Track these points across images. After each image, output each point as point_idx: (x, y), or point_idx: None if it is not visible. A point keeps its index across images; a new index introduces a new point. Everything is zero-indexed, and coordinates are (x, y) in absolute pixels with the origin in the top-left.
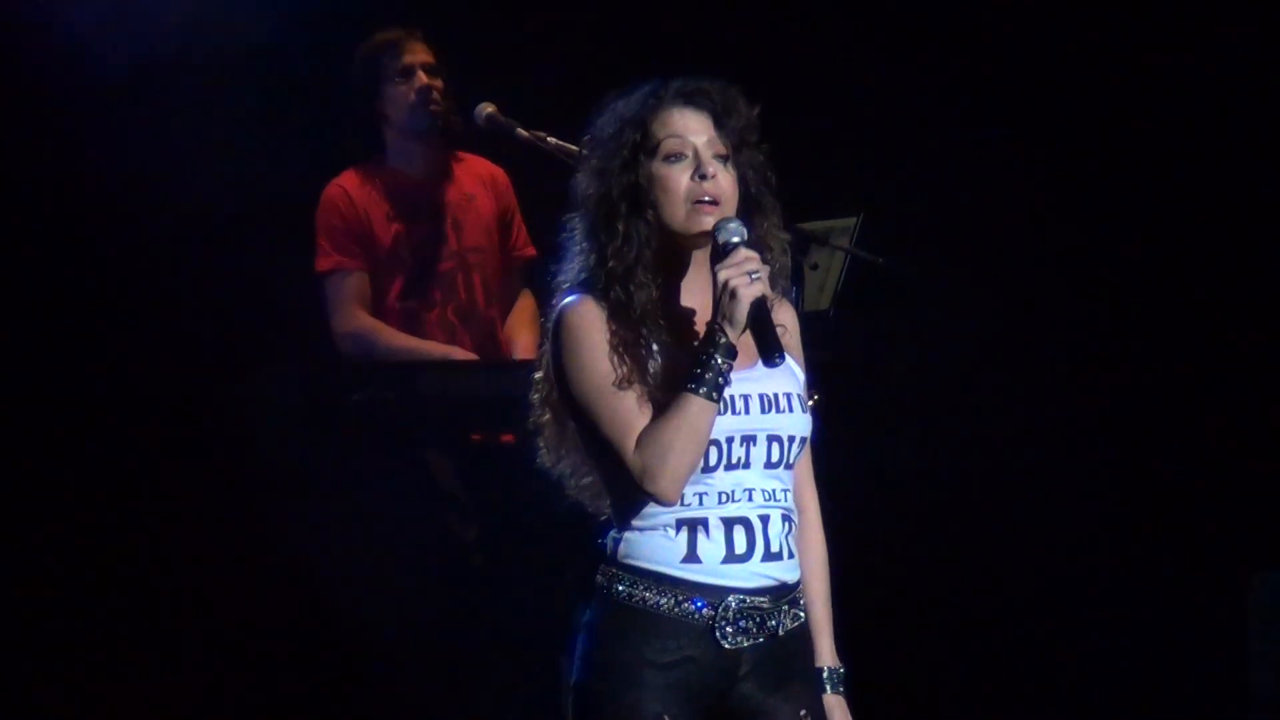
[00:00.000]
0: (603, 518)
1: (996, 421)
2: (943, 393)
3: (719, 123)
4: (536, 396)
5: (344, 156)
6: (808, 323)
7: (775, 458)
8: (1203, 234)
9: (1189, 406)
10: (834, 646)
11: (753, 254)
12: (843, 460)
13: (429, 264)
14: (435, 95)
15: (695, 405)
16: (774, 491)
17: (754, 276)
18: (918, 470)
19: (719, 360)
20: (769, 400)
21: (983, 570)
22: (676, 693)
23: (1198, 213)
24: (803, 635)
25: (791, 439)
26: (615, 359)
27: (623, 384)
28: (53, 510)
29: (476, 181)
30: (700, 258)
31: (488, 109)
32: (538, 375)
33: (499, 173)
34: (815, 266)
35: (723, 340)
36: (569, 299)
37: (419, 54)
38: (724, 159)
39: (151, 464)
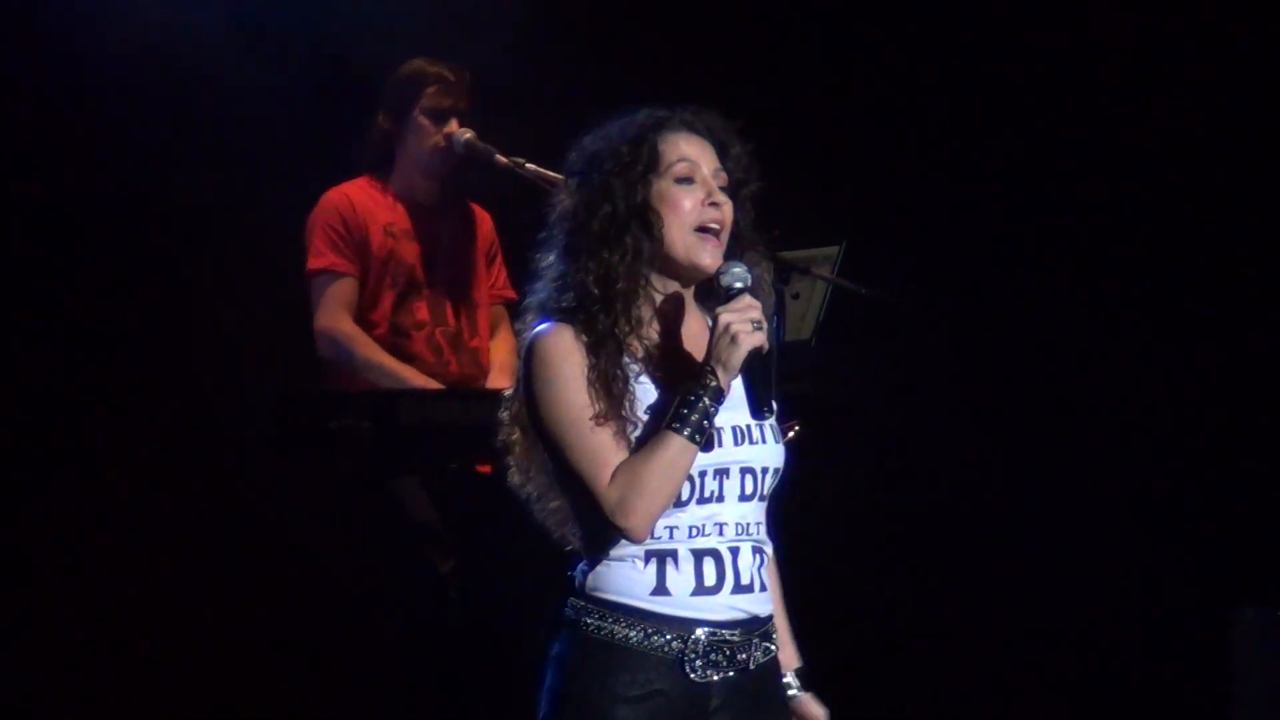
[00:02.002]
0: (568, 547)
1: (978, 453)
2: (922, 421)
3: (722, 154)
4: (506, 414)
5: (350, 164)
6: (790, 353)
7: (749, 490)
8: (1188, 269)
9: (1172, 441)
10: (795, 647)
11: (756, 303)
12: (823, 487)
13: (419, 286)
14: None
15: (676, 445)
16: (747, 525)
17: (756, 325)
18: (897, 499)
19: (707, 403)
20: (741, 432)
21: (963, 602)
22: None
23: (1184, 251)
24: (774, 669)
25: (765, 470)
26: (591, 391)
27: (598, 417)
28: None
29: (467, 219)
30: (689, 294)
31: (466, 135)
32: (508, 393)
33: (486, 217)
34: (796, 296)
35: (713, 383)
36: (544, 326)
37: (461, 100)
38: (725, 190)
39: (128, 469)
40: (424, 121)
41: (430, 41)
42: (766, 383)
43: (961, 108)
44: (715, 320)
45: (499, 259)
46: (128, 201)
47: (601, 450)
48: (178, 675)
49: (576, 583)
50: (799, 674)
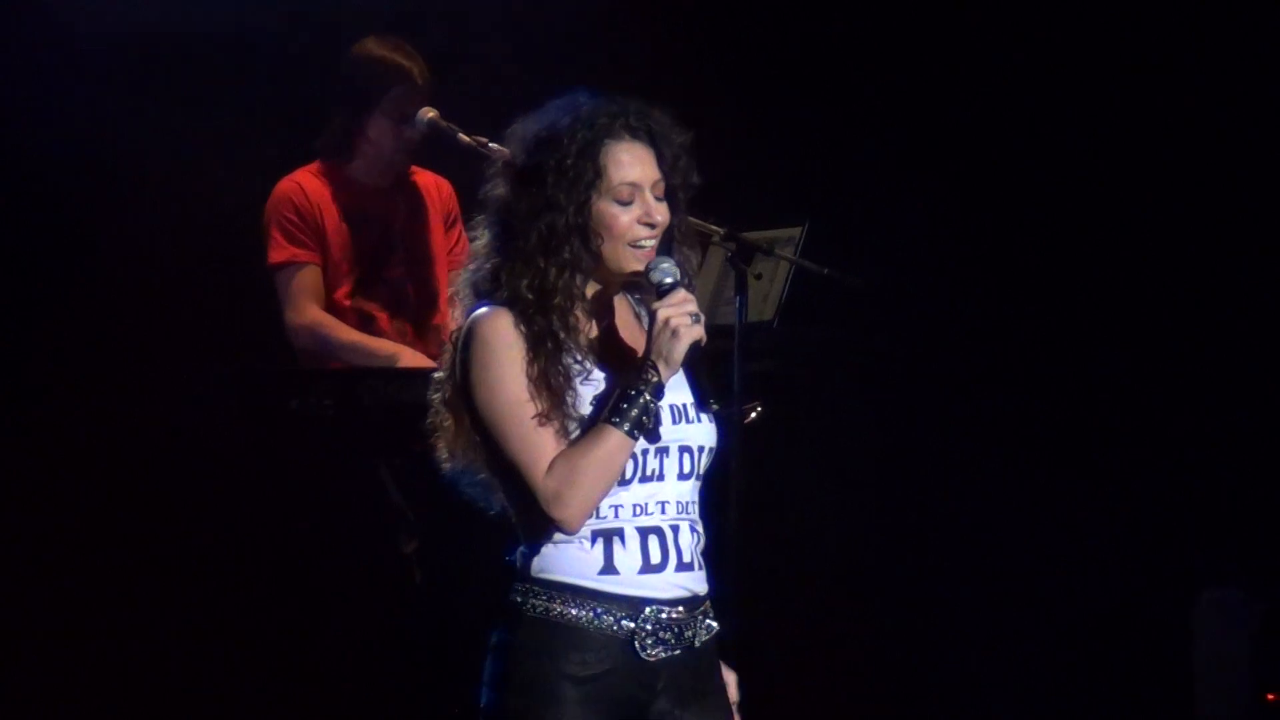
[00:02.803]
0: (492, 511)
1: (939, 434)
2: (884, 402)
3: (661, 158)
4: (438, 396)
5: (308, 149)
6: (752, 333)
7: (687, 469)
8: (1145, 251)
9: (1134, 424)
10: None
11: (690, 296)
12: (784, 466)
13: (379, 270)
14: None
15: (614, 439)
16: (685, 504)
17: (694, 318)
18: (859, 478)
19: (647, 398)
20: (679, 411)
21: (922, 583)
22: (596, 706)
23: (1144, 231)
24: (713, 648)
25: (701, 449)
26: (531, 378)
27: (537, 405)
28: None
29: (425, 194)
30: (618, 289)
31: (429, 114)
32: (439, 375)
33: (444, 183)
34: (759, 276)
35: (654, 379)
36: (484, 310)
37: (425, 98)
38: (662, 197)
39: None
40: (387, 124)
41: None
42: (708, 376)
43: (924, 89)
44: (653, 316)
45: (459, 224)
46: (81, 185)
47: (539, 440)
48: (137, 658)
49: (519, 566)
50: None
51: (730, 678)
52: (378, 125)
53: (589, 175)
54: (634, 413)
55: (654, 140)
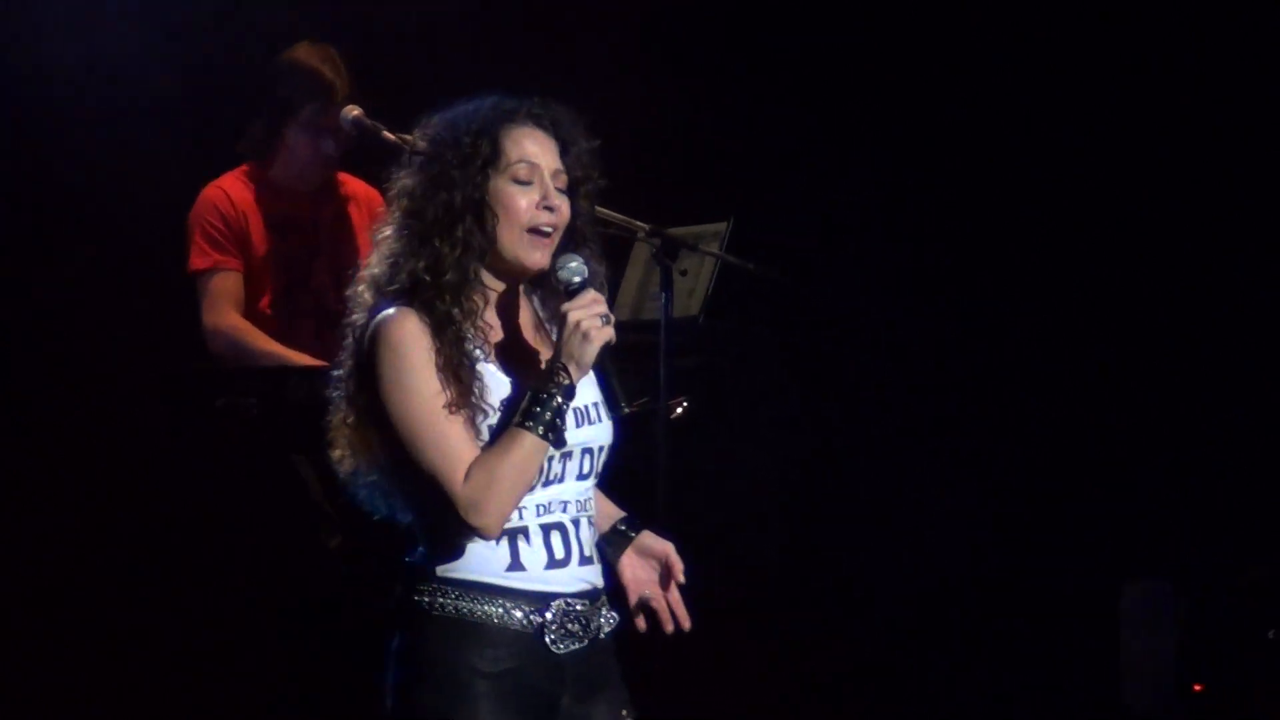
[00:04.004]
0: (377, 516)
1: (864, 426)
2: (808, 396)
3: (564, 151)
4: (338, 394)
5: (233, 153)
6: (677, 329)
7: (586, 469)
8: (1066, 240)
9: (1062, 415)
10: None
11: (600, 296)
12: (708, 463)
13: (302, 277)
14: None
15: (529, 443)
16: (583, 501)
17: (605, 320)
18: (783, 473)
19: (560, 401)
20: (581, 414)
21: (848, 577)
22: (508, 701)
23: (1071, 215)
24: (612, 641)
25: (601, 449)
26: (442, 381)
27: (450, 406)
28: None
29: (353, 203)
30: (521, 288)
31: (353, 112)
32: (339, 373)
33: (374, 193)
34: (684, 272)
35: (566, 381)
36: (389, 311)
37: (349, 110)
38: (563, 191)
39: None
40: (304, 135)
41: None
42: (619, 377)
43: (847, 82)
44: (563, 317)
45: None
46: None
47: (455, 446)
48: (63, 656)
49: (423, 568)
50: (624, 521)
51: (663, 546)
52: (295, 135)
53: (485, 152)
54: (547, 415)
55: (558, 133)
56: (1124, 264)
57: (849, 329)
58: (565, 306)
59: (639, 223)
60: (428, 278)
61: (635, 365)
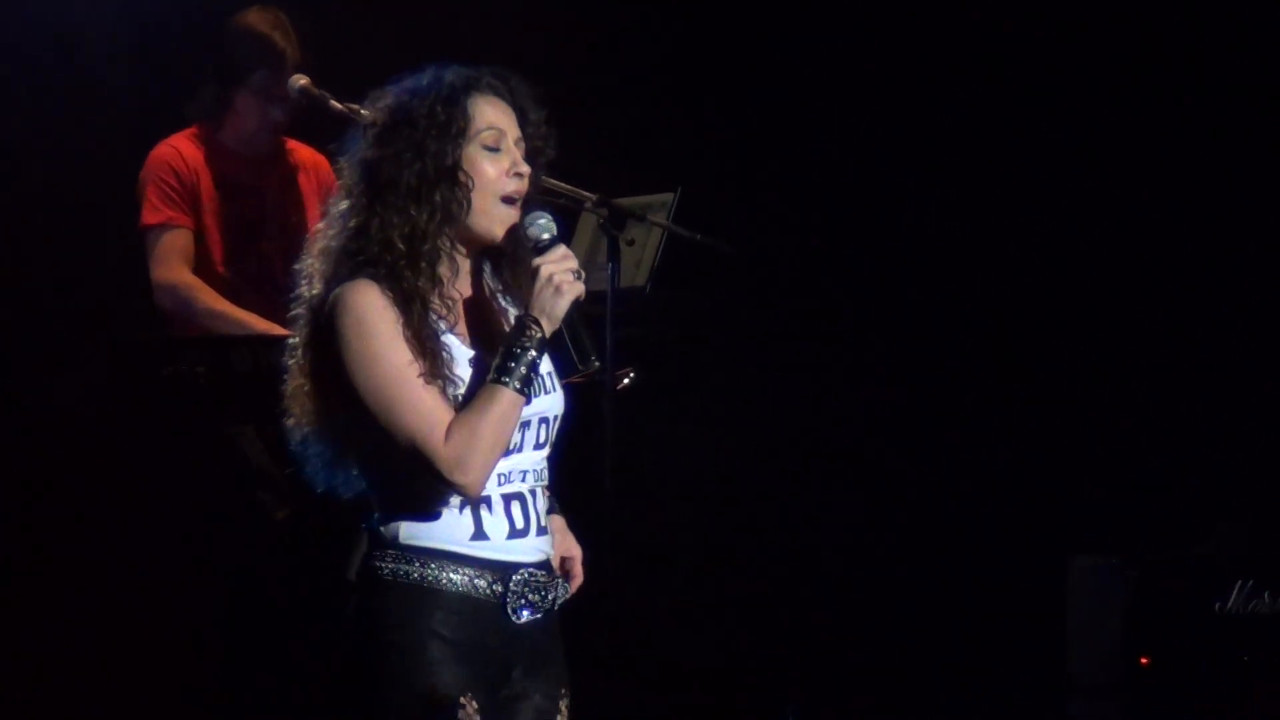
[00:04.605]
0: (320, 490)
1: (812, 399)
2: (756, 367)
3: (523, 118)
4: (294, 363)
5: (182, 116)
6: (624, 299)
7: (542, 438)
8: (1011, 214)
9: (1010, 391)
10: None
11: (570, 253)
12: (655, 433)
13: (250, 241)
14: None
15: (507, 398)
16: (539, 471)
17: (576, 275)
18: (731, 445)
19: (533, 354)
20: (538, 383)
21: (795, 548)
22: (465, 668)
23: (1015, 187)
24: (559, 613)
25: (556, 418)
26: (412, 347)
27: (423, 374)
28: None
29: (301, 170)
30: (476, 259)
31: (300, 81)
32: (294, 341)
33: (322, 160)
34: (631, 242)
35: (538, 335)
36: (352, 281)
37: (297, 79)
38: (524, 157)
39: None
40: (252, 101)
41: None
42: (589, 332)
43: (795, 52)
44: (534, 271)
45: None
46: None
47: (431, 408)
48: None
49: (384, 536)
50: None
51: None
52: (244, 100)
53: (458, 121)
54: (522, 369)
55: (515, 100)
56: (1072, 238)
57: (794, 299)
58: (537, 261)
59: (586, 193)
60: (403, 246)
61: (588, 327)
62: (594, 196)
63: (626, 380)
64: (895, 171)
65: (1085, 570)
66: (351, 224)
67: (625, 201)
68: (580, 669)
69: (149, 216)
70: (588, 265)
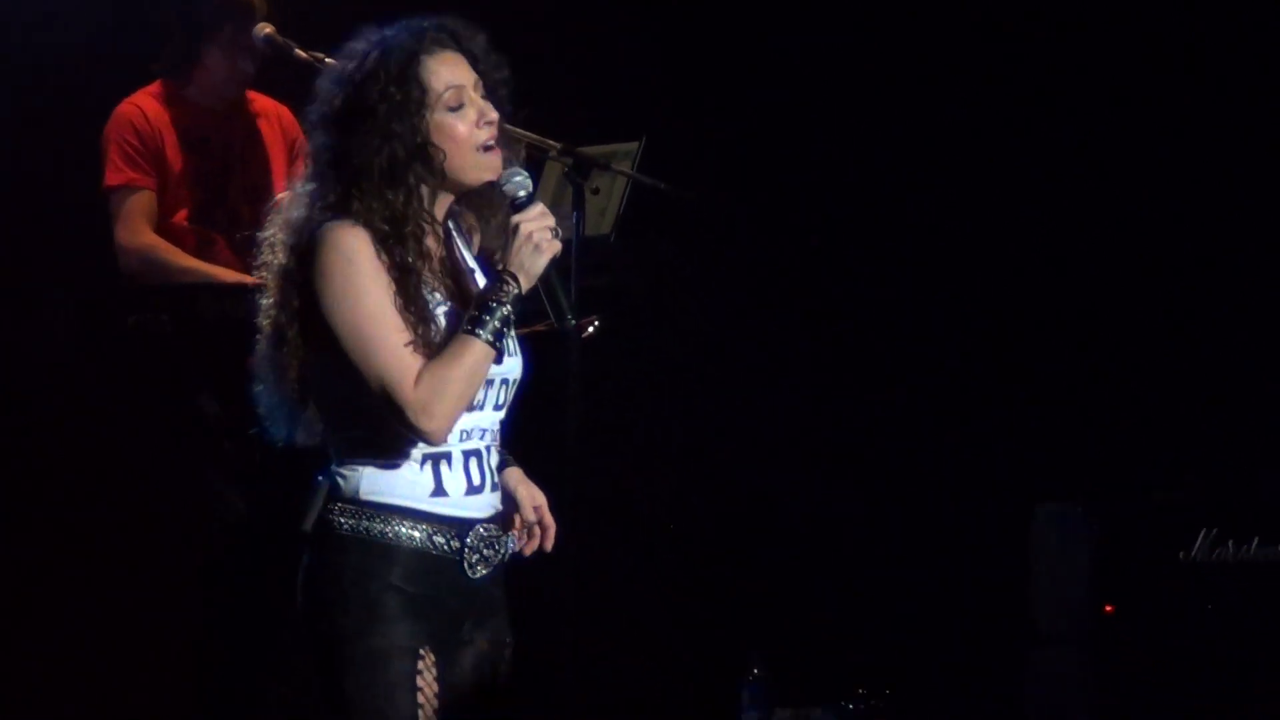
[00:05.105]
0: (280, 441)
1: (778, 348)
2: (720, 318)
3: (474, 59)
4: (266, 322)
5: (147, 71)
6: (589, 248)
7: (501, 399)
8: (964, 165)
9: (975, 338)
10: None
11: (547, 210)
12: (619, 382)
13: (217, 194)
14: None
15: (479, 350)
16: (495, 431)
17: (555, 233)
18: (694, 395)
19: (507, 309)
20: (505, 345)
21: (760, 498)
22: (421, 623)
23: (977, 145)
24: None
25: (515, 381)
26: (392, 291)
27: (402, 317)
28: None
29: (263, 120)
30: (460, 195)
31: (265, 29)
32: (265, 302)
33: (285, 111)
34: (596, 191)
35: (514, 290)
36: (336, 221)
37: (262, 28)
38: (485, 97)
39: None
40: (220, 54)
41: None
42: (565, 289)
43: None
44: (514, 228)
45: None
46: None
47: (404, 352)
48: None
49: (342, 490)
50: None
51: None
52: (212, 55)
53: (416, 94)
54: (495, 323)
55: (460, 44)
56: (1032, 197)
57: (758, 248)
58: (516, 218)
59: (551, 141)
60: (386, 228)
61: (564, 284)
62: (559, 145)
63: (591, 329)
64: (856, 116)
65: (1050, 518)
66: (318, 206)
67: (590, 150)
68: (543, 624)
69: (111, 177)
70: (552, 214)
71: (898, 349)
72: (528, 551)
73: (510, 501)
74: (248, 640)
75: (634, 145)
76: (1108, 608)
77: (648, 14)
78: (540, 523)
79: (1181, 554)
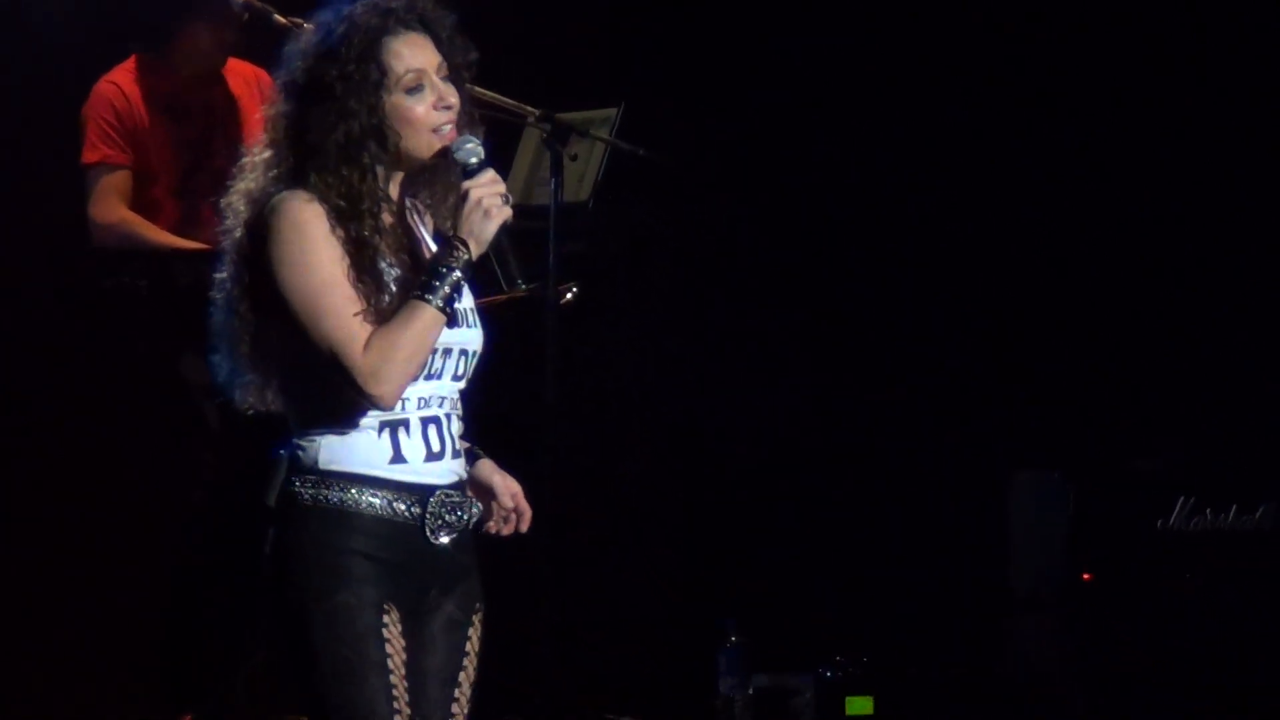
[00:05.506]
0: (249, 410)
1: (755, 316)
2: (697, 284)
3: (439, 41)
4: (220, 296)
5: (123, 45)
6: (567, 214)
7: (460, 370)
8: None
9: (954, 305)
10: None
11: (498, 177)
12: (597, 348)
13: (202, 159)
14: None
15: (428, 315)
16: (455, 401)
17: (505, 199)
18: (673, 360)
19: (457, 275)
20: (461, 315)
21: (738, 465)
22: (387, 588)
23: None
24: (473, 531)
25: (475, 354)
26: (346, 264)
27: (353, 284)
28: None
29: (242, 84)
30: (416, 173)
31: None
32: (220, 277)
33: (263, 74)
34: (575, 157)
35: (465, 256)
36: (290, 192)
37: (243, 15)
38: (448, 78)
39: None
40: (203, 27)
41: None
42: (517, 255)
43: None
44: (464, 194)
45: None
46: None
47: (354, 318)
48: None
49: (302, 461)
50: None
51: (506, 483)
52: (194, 28)
53: (374, 75)
54: (445, 289)
55: (427, 26)
56: (1003, 159)
57: (735, 215)
58: (466, 184)
59: (529, 108)
60: (343, 203)
61: (524, 251)
62: (537, 112)
63: (569, 296)
64: (835, 88)
65: (1028, 485)
66: (272, 174)
67: (568, 116)
68: (521, 592)
69: (87, 155)
70: (531, 181)
71: (876, 318)
72: (505, 533)
73: (487, 492)
74: (221, 608)
75: (612, 111)
76: (1085, 576)
77: None
78: (516, 509)
79: (1159, 522)
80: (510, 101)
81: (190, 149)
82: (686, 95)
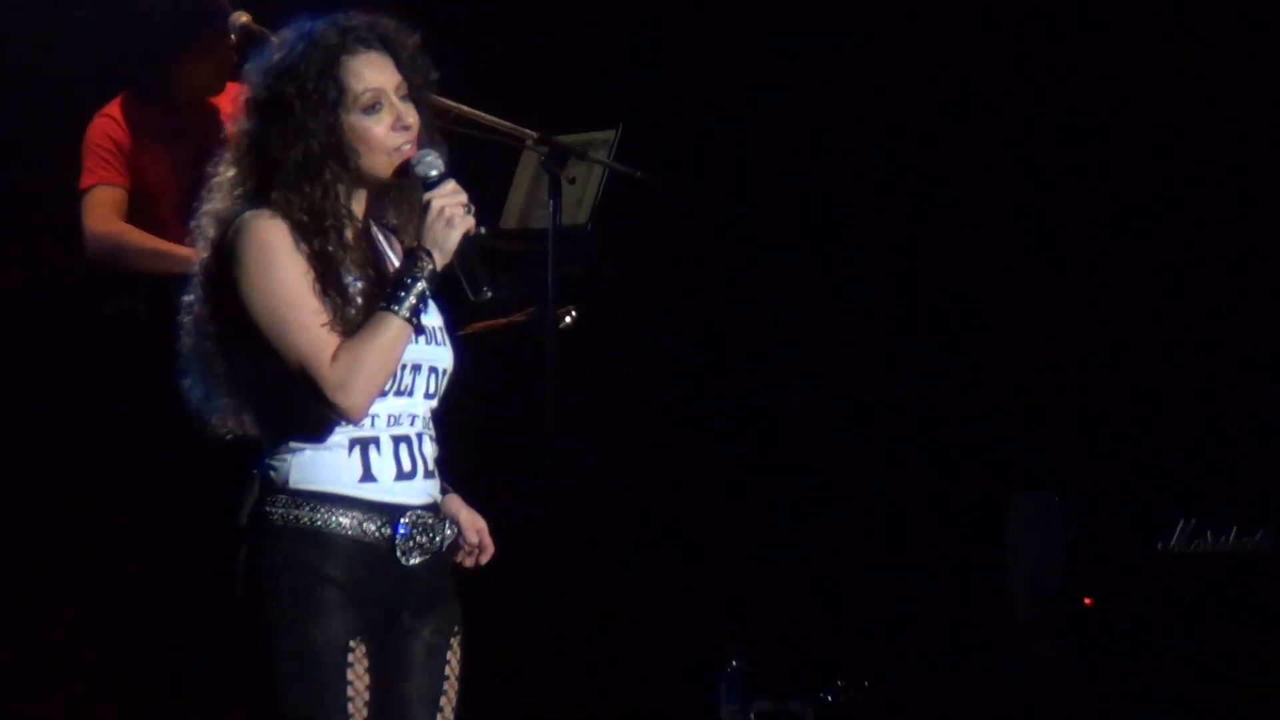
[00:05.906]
0: (228, 434)
1: (755, 337)
2: (697, 307)
3: (399, 62)
4: (188, 319)
5: (119, 75)
6: (565, 237)
7: (432, 388)
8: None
9: (953, 325)
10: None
11: (459, 188)
12: (596, 371)
13: (201, 178)
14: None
15: (395, 326)
16: (427, 420)
17: (467, 209)
18: (672, 383)
19: (424, 285)
20: (430, 333)
21: (737, 485)
22: (356, 612)
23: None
24: (448, 554)
25: (446, 372)
26: (310, 273)
27: (319, 298)
28: None
29: (224, 96)
30: (379, 192)
31: (242, 18)
32: (188, 299)
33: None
34: (573, 180)
35: (429, 266)
36: (253, 211)
37: (238, 17)
38: (407, 98)
39: None
40: (204, 61)
41: None
42: (482, 264)
43: None
44: (425, 205)
45: None
46: None
47: (321, 331)
48: None
49: (274, 481)
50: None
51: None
52: (193, 65)
53: (332, 94)
54: (411, 300)
55: (387, 45)
56: (1016, 188)
57: (735, 236)
58: (427, 195)
59: (527, 130)
60: (305, 218)
61: (523, 274)
62: (535, 134)
63: (568, 319)
64: (834, 106)
65: (1027, 507)
66: (238, 193)
67: (567, 139)
68: (522, 616)
69: (84, 181)
70: (529, 203)
71: (877, 339)
72: (467, 565)
73: (465, 508)
74: (221, 608)
75: (611, 133)
76: (1086, 600)
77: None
78: (480, 544)
79: (1159, 544)
80: (508, 124)
81: (189, 168)
82: (684, 107)
